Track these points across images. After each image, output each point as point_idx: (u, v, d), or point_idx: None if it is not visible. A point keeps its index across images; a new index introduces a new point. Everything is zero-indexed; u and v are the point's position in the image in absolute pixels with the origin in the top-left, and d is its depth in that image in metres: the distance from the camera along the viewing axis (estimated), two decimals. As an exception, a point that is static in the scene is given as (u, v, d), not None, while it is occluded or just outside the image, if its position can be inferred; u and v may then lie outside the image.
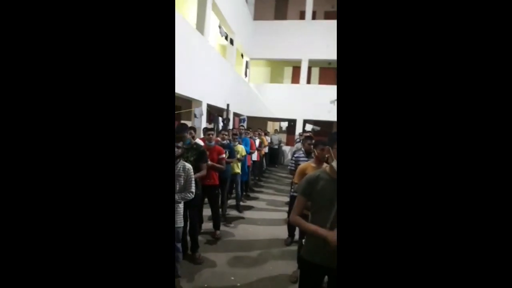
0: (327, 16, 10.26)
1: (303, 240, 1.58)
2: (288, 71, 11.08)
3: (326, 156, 2.34)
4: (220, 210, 3.62)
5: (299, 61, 9.72)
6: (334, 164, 1.38)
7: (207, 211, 3.52)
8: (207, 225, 3.50)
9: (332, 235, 1.28)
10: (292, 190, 3.00)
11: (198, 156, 2.70)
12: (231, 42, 7.65)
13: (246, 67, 9.94)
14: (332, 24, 9.22)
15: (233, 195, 4.37)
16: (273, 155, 8.89)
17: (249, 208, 4.57)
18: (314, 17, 9.94)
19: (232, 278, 2.47)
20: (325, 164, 2.30)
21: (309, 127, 8.62)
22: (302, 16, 9.98)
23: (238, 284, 2.38)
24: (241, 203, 4.49)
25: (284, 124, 10.09)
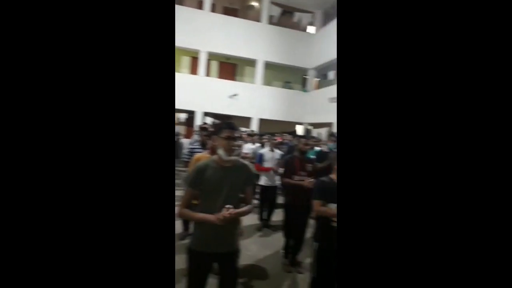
0: (226, 12, 10.45)
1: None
2: (186, 61, 10.66)
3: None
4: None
5: (197, 52, 9.52)
6: (220, 152, 1.41)
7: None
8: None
9: (219, 217, 1.30)
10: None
11: None
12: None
13: (138, 50, 8.89)
14: (233, 20, 9.47)
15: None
16: (171, 149, 8.42)
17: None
18: (213, 10, 9.91)
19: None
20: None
21: (209, 120, 8.64)
22: (200, 6, 9.75)
23: None
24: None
25: (183, 116, 9.73)
